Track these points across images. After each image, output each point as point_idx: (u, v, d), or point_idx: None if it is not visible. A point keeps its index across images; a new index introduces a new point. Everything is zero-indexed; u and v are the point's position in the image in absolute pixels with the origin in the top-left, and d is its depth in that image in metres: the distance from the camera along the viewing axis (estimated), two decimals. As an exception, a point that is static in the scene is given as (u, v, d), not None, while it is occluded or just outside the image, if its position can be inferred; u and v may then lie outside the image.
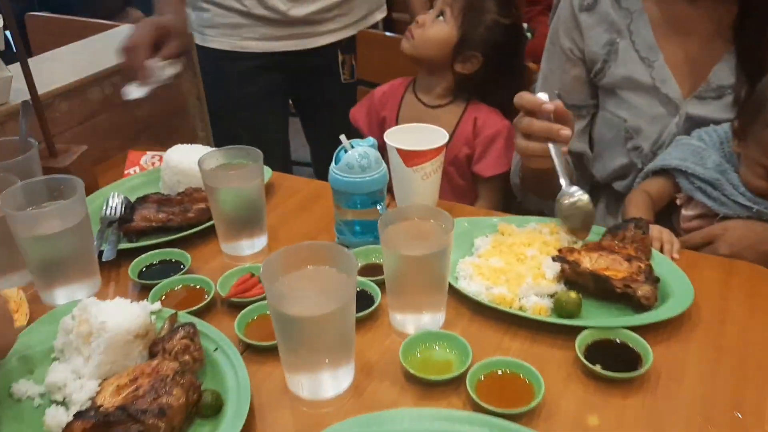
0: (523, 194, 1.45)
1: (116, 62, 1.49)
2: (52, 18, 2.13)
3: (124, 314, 0.89)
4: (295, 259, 0.85)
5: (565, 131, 1.05)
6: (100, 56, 1.57)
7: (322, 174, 2.14)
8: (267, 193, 1.28)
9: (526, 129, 1.08)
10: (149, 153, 1.46)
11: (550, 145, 1.07)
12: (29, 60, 1.42)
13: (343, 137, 1.11)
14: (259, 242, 1.16)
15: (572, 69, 1.36)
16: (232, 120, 1.85)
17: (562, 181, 1.08)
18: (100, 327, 0.87)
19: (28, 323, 0.97)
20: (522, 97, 1.09)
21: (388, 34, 1.98)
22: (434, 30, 1.52)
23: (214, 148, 1.16)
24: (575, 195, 1.08)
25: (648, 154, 1.31)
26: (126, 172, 1.41)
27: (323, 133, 1.96)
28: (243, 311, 0.99)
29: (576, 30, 1.33)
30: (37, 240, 0.98)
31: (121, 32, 1.77)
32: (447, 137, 1.17)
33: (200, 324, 0.95)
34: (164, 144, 1.55)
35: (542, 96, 1.07)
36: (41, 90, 1.35)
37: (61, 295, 1.03)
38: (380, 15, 1.96)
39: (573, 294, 0.96)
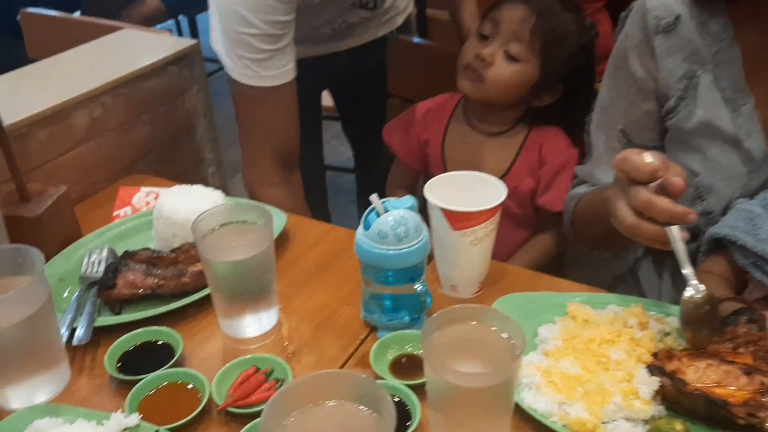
0: (576, 237, 1.20)
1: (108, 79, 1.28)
2: (49, 17, 1.91)
3: (83, 449, 0.67)
4: (310, 392, 0.62)
5: (692, 215, 0.79)
6: (92, 70, 1.35)
7: (365, 183, 1.95)
8: (280, 243, 1.06)
9: (644, 209, 0.84)
10: (144, 189, 1.24)
11: (671, 229, 0.81)
12: (7, 75, 1.22)
13: (374, 197, 0.87)
14: (268, 319, 0.94)
15: (643, 102, 1.07)
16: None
17: (687, 271, 0.83)
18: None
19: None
20: (626, 161, 0.83)
21: (419, 40, 1.73)
22: (510, 72, 1.25)
23: (211, 207, 0.93)
24: (701, 292, 0.83)
25: (717, 220, 1.02)
26: (115, 213, 1.19)
27: (364, 136, 1.79)
28: (246, 427, 0.76)
29: (650, 56, 1.04)
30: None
31: (123, 36, 1.56)
32: (505, 192, 0.94)
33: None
34: (164, 172, 1.34)
35: (648, 158, 0.81)
36: (17, 116, 1.14)
37: (15, 397, 0.82)
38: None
39: (679, 425, 0.72)
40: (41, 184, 1.09)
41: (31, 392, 0.83)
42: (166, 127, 1.46)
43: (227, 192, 1.17)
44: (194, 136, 1.53)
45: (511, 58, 1.24)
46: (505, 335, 0.69)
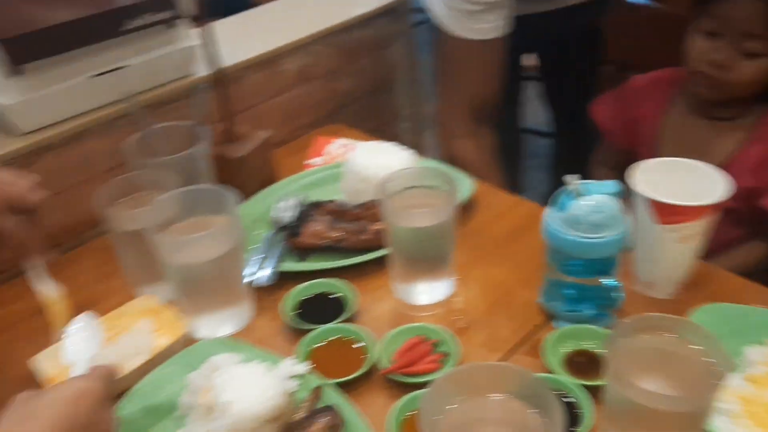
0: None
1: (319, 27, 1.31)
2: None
3: (255, 391, 0.70)
4: (477, 381, 0.59)
5: None
6: (305, 17, 1.38)
7: (562, 151, 1.86)
8: (464, 210, 1.03)
9: None
10: (338, 141, 1.26)
11: None
12: (221, 22, 1.28)
13: (571, 178, 0.80)
14: (442, 289, 0.92)
15: None
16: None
17: None
18: (225, 407, 0.69)
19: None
20: None
21: (647, 2, 1.56)
22: (752, 70, 1.10)
23: (401, 167, 0.91)
24: None
25: None
26: (308, 162, 1.23)
27: (567, 102, 1.71)
28: (406, 398, 0.75)
29: None
30: (180, 268, 0.83)
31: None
32: (728, 189, 0.82)
33: (348, 410, 0.74)
34: (361, 125, 1.35)
35: None
36: (234, 59, 1.20)
37: (203, 326, 0.88)
38: None
39: None
40: (247, 126, 1.14)
41: (217, 325, 0.88)
42: (368, 79, 1.47)
43: (418, 148, 1.16)
44: (394, 90, 1.53)
45: (750, 54, 1.08)
46: (706, 357, 0.60)
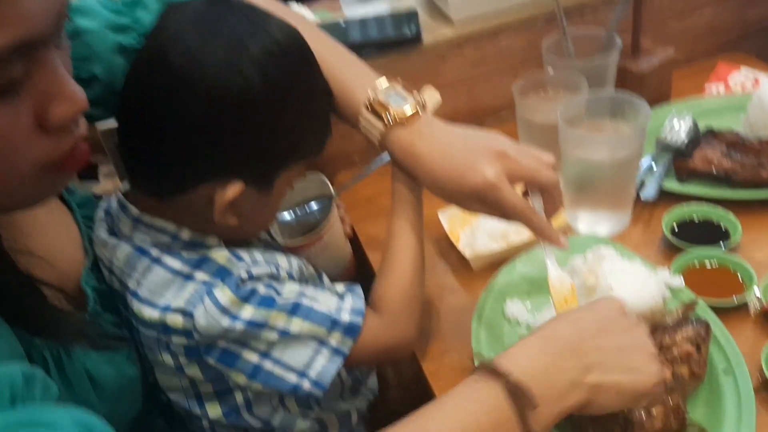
0: None
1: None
2: None
3: (635, 287, 0.76)
4: None
5: None
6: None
7: None
8: None
9: None
10: (743, 69, 1.19)
11: None
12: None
13: None
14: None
15: None
16: None
17: None
18: (606, 290, 0.77)
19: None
20: None
21: None
22: None
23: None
24: None
25: None
26: (707, 86, 1.19)
27: None
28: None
29: None
30: (579, 162, 0.90)
31: None
32: None
33: (718, 329, 0.76)
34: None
35: None
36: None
37: (584, 222, 0.96)
38: None
39: None
40: (651, 42, 1.15)
41: (597, 223, 0.95)
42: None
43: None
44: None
45: None
46: None
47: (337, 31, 1.16)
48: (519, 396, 0.57)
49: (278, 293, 0.70)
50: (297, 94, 0.67)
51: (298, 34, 0.68)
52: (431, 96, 0.80)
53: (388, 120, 0.73)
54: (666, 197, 0.98)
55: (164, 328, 0.68)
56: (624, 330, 0.63)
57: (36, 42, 0.49)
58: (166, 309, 0.67)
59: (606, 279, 0.77)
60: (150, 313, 0.68)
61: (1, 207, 0.58)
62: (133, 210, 0.71)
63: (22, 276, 0.58)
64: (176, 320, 0.67)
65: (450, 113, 1.21)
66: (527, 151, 0.72)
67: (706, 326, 0.75)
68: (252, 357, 0.69)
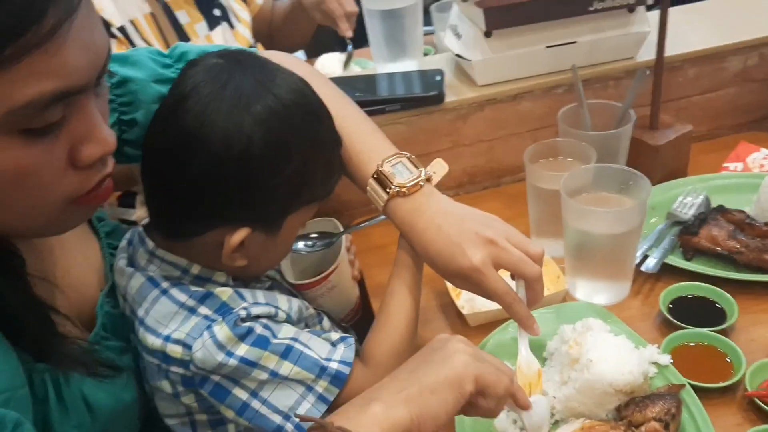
0: None
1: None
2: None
3: (618, 361, 0.78)
4: None
5: None
6: (755, 17, 1.32)
7: None
8: None
9: None
10: (763, 151, 1.20)
11: None
12: (674, 9, 1.29)
13: None
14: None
15: None
16: None
17: None
18: (586, 363, 0.79)
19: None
20: None
21: None
22: None
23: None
24: None
25: None
26: (725, 165, 1.20)
27: None
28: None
29: None
30: (578, 232, 0.93)
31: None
32: None
33: (698, 412, 0.77)
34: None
35: None
36: (674, 50, 1.22)
37: (582, 290, 0.98)
38: None
39: None
40: (671, 116, 1.17)
41: (594, 292, 0.97)
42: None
43: None
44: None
45: None
46: None
47: (366, 83, 1.22)
48: None
49: (274, 335, 0.74)
50: (301, 147, 0.72)
51: (305, 89, 0.74)
52: (440, 168, 0.84)
53: (391, 190, 0.78)
54: (669, 270, 0.99)
55: (164, 356, 0.73)
56: (436, 350, 0.67)
57: (76, 91, 0.55)
58: (168, 339, 0.72)
59: (588, 352, 0.79)
60: (153, 341, 0.73)
61: (28, 233, 0.64)
62: (150, 244, 0.77)
63: (36, 303, 0.64)
64: (176, 350, 0.72)
65: (469, 170, 1.27)
66: (517, 241, 0.77)
67: (678, 403, 0.76)
68: (242, 394, 0.73)
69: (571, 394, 0.79)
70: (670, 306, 0.94)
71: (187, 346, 0.72)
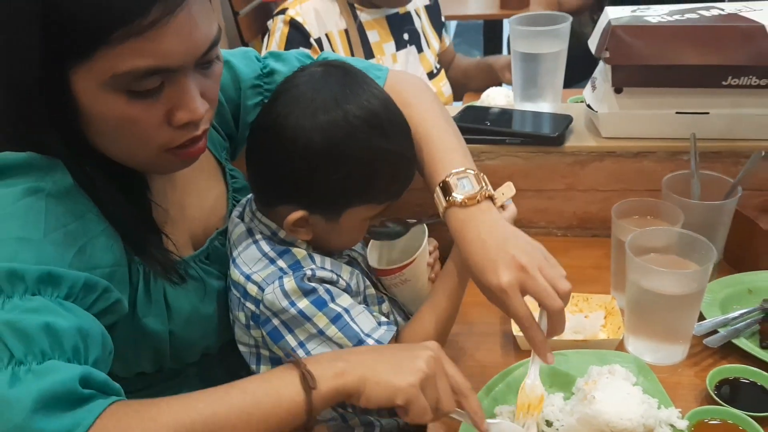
0: None
1: None
2: None
3: (621, 406, 0.83)
4: None
5: None
6: None
7: None
8: None
9: None
10: None
11: None
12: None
13: None
14: None
15: None
16: None
17: None
18: (590, 399, 0.84)
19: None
20: None
21: None
22: None
23: None
24: None
25: None
26: None
27: None
28: None
29: None
30: (639, 289, 0.95)
31: None
32: None
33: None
34: None
35: None
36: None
37: (633, 344, 1.01)
38: None
39: None
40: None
41: (645, 349, 0.99)
42: None
43: None
44: None
45: None
46: None
47: (497, 115, 1.33)
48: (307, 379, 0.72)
49: (332, 299, 0.89)
50: (359, 155, 0.87)
51: (379, 109, 0.88)
52: (508, 190, 0.93)
53: (450, 199, 0.90)
54: (737, 352, 0.98)
55: (244, 291, 0.92)
56: (405, 350, 0.77)
57: (172, 70, 0.71)
58: (249, 278, 0.91)
59: (596, 390, 0.83)
60: (238, 276, 0.92)
61: (138, 168, 0.82)
62: (254, 206, 0.97)
63: (146, 217, 0.85)
64: (252, 289, 0.91)
65: (580, 214, 1.32)
66: (549, 273, 0.82)
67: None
68: (292, 341, 0.89)
69: (572, 424, 0.85)
70: (721, 384, 0.93)
71: (261, 288, 0.90)
